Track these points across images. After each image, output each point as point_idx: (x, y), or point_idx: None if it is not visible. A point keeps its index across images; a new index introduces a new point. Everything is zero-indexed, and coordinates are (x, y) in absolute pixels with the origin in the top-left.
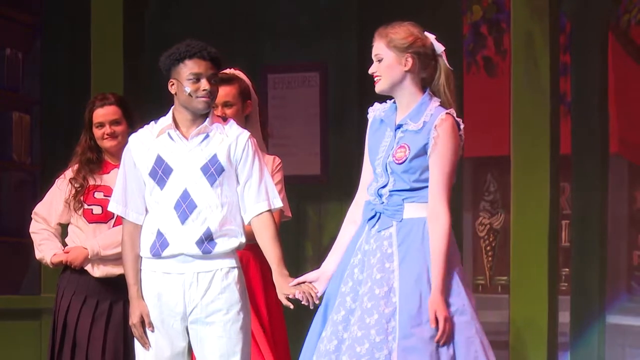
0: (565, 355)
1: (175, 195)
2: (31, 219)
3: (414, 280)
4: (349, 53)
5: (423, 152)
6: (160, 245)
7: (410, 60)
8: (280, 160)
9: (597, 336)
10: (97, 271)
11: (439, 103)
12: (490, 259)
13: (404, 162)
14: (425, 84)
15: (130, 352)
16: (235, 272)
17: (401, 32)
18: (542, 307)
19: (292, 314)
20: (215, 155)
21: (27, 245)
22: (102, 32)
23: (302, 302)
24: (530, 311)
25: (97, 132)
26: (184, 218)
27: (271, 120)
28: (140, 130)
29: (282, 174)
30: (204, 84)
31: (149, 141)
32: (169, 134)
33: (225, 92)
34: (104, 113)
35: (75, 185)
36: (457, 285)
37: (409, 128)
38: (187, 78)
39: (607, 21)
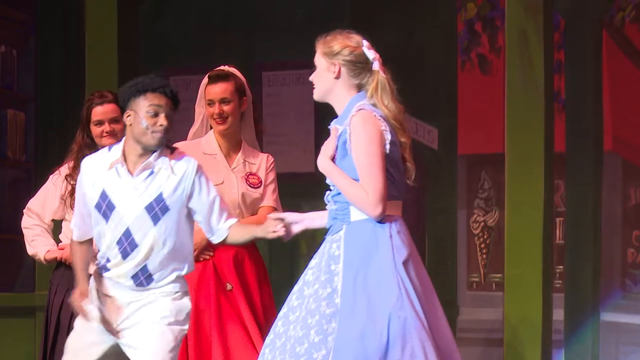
0: (559, 352)
1: (117, 232)
2: (23, 214)
3: (352, 278)
4: None
5: (344, 152)
6: (102, 267)
7: (337, 67)
8: (273, 159)
9: (591, 334)
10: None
11: (361, 106)
12: (484, 256)
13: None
14: (362, 90)
15: None
16: (168, 298)
17: (333, 40)
18: (536, 304)
19: None
20: (161, 194)
21: (22, 242)
22: (96, 29)
23: (280, 234)
24: (525, 308)
25: (96, 130)
26: (125, 255)
27: (265, 117)
28: (94, 156)
29: (275, 172)
30: (161, 119)
31: (99, 172)
32: (116, 168)
33: (222, 89)
34: (103, 111)
35: (72, 182)
36: (399, 285)
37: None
38: (146, 110)
39: (601, 19)
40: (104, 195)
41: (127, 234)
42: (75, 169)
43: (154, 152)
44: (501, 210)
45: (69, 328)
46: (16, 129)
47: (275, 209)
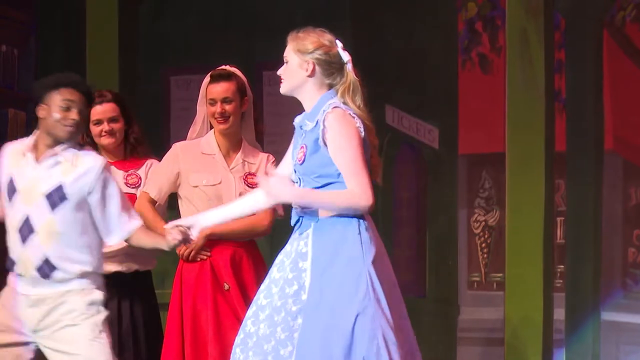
0: (560, 352)
1: (18, 217)
2: None
3: (319, 275)
4: None
5: (316, 148)
6: (11, 263)
7: (311, 65)
8: (273, 159)
9: (591, 333)
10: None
11: (336, 104)
12: (485, 256)
13: (304, 162)
14: (331, 89)
15: (125, 349)
16: (83, 295)
17: (308, 37)
18: (537, 304)
19: None
20: (60, 185)
21: None
22: (97, 29)
23: (179, 241)
24: (526, 308)
25: (95, 129)
26: (24, 240)
27: (266, 117)
28: (13, 143)
29: None
30: (73, 113)
31: (12, 158)
32: (27, 156)
33: (224, 89)
34: (102, 110)
35: None
36: (367, 282)
37: (306, 128)
38: (59, 105)
39: (602, 18)
40: (11, 181)
41: (26, 219)
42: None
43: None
44: (502, 210)
45: None
46: (17, 129)
47: (274, 209)
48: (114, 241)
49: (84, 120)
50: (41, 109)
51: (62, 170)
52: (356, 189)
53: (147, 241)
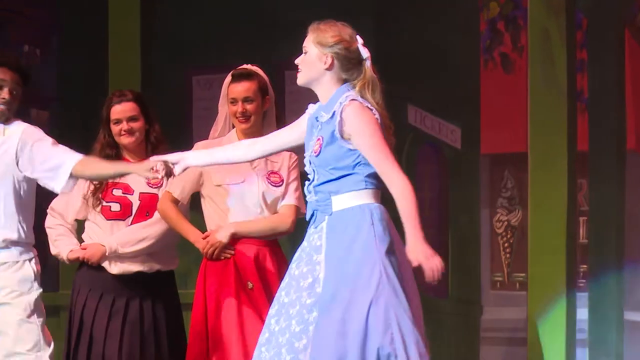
0: (583, 352)
1: None
2: (47, 213)
3: (334, 267)
4: None
5: (332, 140)
6: None
7: (330, 59)
8: (296, 157)
9: (615, 333)
10: (115, 268)
11: (352, 96)
12: (508, 255)
13: (319, 153)
14: (346, 83)
15: (146, 349)
16: (14, 271)
17: (329, 30)
18: (560, 303)
19: None
20: None
21: (45, 242)
22: (119, 28)
23: (159, 175)
24: (549, 308)
25: (115, 129)
26: None
27: (288, 116)
28: None
29: (298, 170)
30: (4, 92)
31: None
32: None
33: (245, 88)
34: (121, 109)
35: (94, 182)
36: (381, 272)
37: (322, 120)
38: None
39: (624, 18)
40: None
41: None
42: None
43: None
44: (524, 210)
45: (92, 328)
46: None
47: (297, 208)
48: (61, 185)
49: (16, 98)
50: None
51: None
52: (399, 179)
53: (101, 168)
